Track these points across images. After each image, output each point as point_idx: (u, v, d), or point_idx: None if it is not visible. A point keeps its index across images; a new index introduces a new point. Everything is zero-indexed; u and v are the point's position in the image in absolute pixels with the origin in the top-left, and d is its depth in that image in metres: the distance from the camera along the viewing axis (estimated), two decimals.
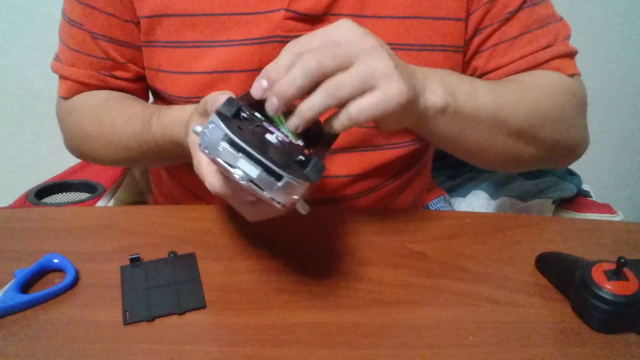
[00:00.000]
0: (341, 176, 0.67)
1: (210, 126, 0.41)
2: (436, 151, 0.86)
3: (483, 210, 0.89)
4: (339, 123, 0.45)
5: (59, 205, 0.93)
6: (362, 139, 0.66)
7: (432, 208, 0.83)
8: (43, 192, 0.92)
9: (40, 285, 0.52)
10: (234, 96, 0.45)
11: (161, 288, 0.52)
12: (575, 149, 0.68)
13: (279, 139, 0.44)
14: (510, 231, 0.62)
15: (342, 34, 0.45)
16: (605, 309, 0.46)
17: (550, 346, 0.47)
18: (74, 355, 0.45)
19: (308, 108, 0.44)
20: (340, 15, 0.61)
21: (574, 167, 0.93)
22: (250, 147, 0.40)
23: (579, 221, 0.70)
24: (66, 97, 0.70)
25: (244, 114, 0.44)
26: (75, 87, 0.69)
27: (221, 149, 0.40)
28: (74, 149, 0.73)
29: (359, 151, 0.67)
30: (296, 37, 0.56)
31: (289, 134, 0.46)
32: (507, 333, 0.48)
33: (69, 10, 0.67)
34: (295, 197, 0.41)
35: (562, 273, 0.53)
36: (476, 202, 0.90)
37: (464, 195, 0.93)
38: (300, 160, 0.43)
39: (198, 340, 0.46)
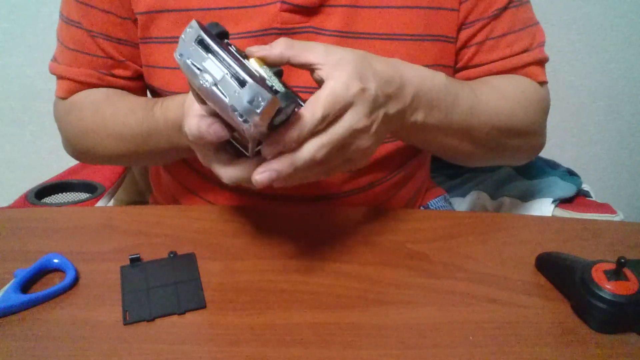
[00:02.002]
0: None
1: (187, 30, 0.40)
2: None
3: (483, 210, 0.89)
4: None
5: (59, 205, 0.92)
6: None
7: (432, 208, 0.83)
8: (43, 192, 0.92)
9: (40, 285, 0.52)
10: None
11: (161, 288, 0.52)
12: (535, 153, 0.74)
13: (260, 72, 0.43)
14: (510, 231, 0.62)
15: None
16: (605, 309, 0.46)
17: (550, 346, 0.47)
18: (74, 355, 0.45)
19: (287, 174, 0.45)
20: (335, 7, 0.61)
21: (574, 167, 0.93)
22: (220, 48, 0.39)
23: (579, 221, 0.70)
24: (64, 97, 0.70)
25: (228, 43, 0.43)
26: (74, 86, 0.69)
27: (192, 49, 0.40)
28: (74, 149, 0.73)
29: None
30: (293, 29, 0.56)
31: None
32: (507, 333, 0.48)
33: (66, 11, 0.67)
34: (257, 116, 0.39)
35: (562, 273, 0.53)
36: (476, 202, 0.90)
37: (464, 195, 0.93)
38: (272, 87, 0.42)
39: (198, 340, 0.46)
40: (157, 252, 0.56)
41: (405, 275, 0.55)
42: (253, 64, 0.45)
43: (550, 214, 0.85)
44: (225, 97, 0.39)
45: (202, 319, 0.49)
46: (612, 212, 0.84)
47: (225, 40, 0.43)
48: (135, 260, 0.54)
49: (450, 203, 0.88)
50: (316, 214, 0.64)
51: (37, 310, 0.49)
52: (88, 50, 0.67)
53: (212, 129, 0.44)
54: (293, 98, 0.42)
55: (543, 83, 0.69)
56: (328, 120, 0.45)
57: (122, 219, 0.63)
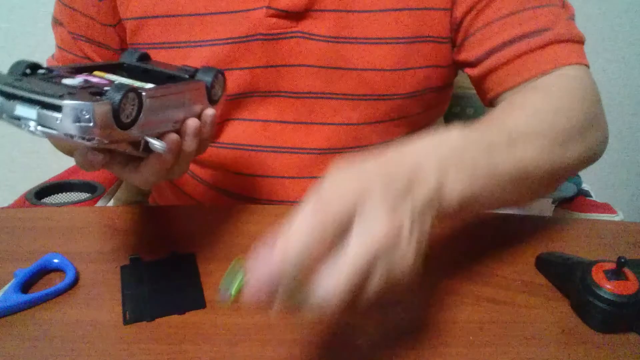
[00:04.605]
0: None
1: None
2: None
3: None
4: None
5: (59, 205, 0.92)
6: (355, 138, 0.66)
7: None
8: (43, 192, 0.92)
9: (40, 285, 0.52)
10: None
11: (161, 288, 0.52)
12: (601, 149, 0.62)
13: (91, 81, 0.40)
14: (510, 231, 0.62)
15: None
16: (605, 309, 0.46)
17: (550, 346, 0.47)
18: (74, 355, 0.45)
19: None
20: (324, 11, 0.61)
21: None
22: (18, 90, 0.36)
23: (579, 221, 0.69)
24: None
25: (51, 71, 0.41)
26: None
27: (3, 106, 0.37)
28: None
29: (352, 151, 0.66)
30: (279, 34, 0.54)
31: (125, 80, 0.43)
32: (507, 333, 0.48)
33: (55, 10, 0.70)
34: (91, 124, 0.35)
35: (562, 273, 0.53)
36: None
37: None
38: (105, 90, 0.38)
39: (198, 340, 0.46)
40: (157, 252, 0.56)
41: None
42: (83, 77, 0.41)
43: (550, 214, 0.85)
44: (55, 130, 0.36)
45: (202, 319, 0.49)
46: (612, 212, 0.84)
47: (42, 70, 0.40)
48: (135, 260, 0.54)
49: None
50: None
51: (37, 310, 0.49)
52: (70, 49, 0.70)
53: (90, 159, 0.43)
54: (124, 88, 0.37)
55: (579, 65, 0.60)
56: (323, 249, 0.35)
57: (122, 219, 0.63)
